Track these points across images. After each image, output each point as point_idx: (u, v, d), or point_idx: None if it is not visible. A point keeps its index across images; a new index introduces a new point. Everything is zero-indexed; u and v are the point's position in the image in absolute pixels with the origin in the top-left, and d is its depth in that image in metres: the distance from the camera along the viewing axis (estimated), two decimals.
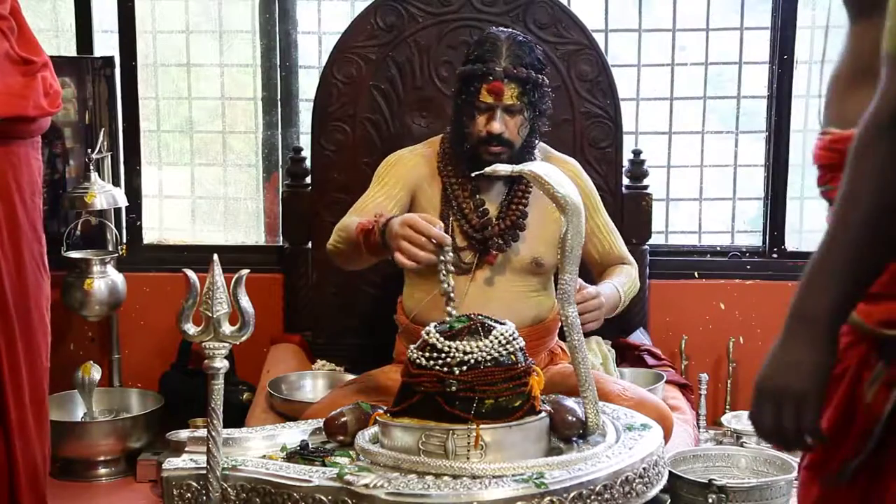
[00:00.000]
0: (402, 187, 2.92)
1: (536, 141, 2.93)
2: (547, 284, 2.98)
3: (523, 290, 2.92)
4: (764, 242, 3.92)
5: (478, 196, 2.92)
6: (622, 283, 2.94)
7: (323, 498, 2.15)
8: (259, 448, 2.41)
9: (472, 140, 2.86)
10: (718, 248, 3.96)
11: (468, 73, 2.85)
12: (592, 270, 3.07)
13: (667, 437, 2.61)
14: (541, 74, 2.87)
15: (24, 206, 2.80)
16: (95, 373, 3.67)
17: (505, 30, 2.95)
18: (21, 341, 2.79)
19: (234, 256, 3.62)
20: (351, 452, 2.33)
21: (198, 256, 3.70)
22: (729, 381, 3.82)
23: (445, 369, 2.23)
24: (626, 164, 3.62)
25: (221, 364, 2.16)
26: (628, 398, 2.70)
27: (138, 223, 4.01)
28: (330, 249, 2.87)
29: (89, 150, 3.74)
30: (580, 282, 2.63)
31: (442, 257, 2.49)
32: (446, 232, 2.61)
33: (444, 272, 2.49)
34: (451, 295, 2.48)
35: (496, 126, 2.81)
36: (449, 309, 2.45)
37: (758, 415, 1.45)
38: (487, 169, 2.46)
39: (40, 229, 2.88)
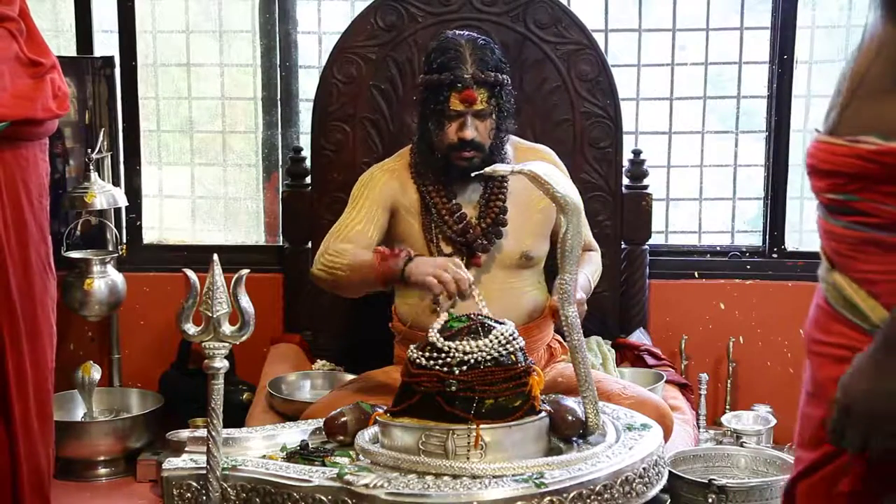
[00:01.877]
0: (378, 207, 2.94)
1: (506, 138, 2.94)
2: (539, 279, 3.00)
3: (516, 287, 2.93)
4: (764, 242, 3.92)
5: (454, 201, 2.93)
6: (591, 272, 2.99)
7: (323, 498, 2.15)
8: (259, 448, 2.41)
9: (443, 147, 2.87)
10: (718, 248, 3.96)
11: (435, 81, 2.85)
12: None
13: (667, 436, 2.61)
14: (505, 75, 2.89)
15: (32, 207, 2.80)
16: (95, 373, 3.67)
17: (462, 33, 2.95)
18: (27, 342, 2.79)
19: (234, 256, 3.62)
20: (351, 452, 2.33)
21: (198, 256, 3.70)
22: (729, 381, 3.81)
23: (445, 369, 2.23)
24: (626, 163, 3.62)
25: (221, 364, 2.16)
26: (628, 397, 2.71)
27: (138, 223, 4.01)
28: (320, 275, 2.88)
29: (89, 150, 3.74)
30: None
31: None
32: (432, 240, 2.80)
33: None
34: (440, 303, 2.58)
35: (469, 132, 2.83)
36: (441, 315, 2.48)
37: (846, 435, 1.42)
38: (487, 169, 2.46)
39: (47, 230, 2.88)
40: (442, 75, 2.84)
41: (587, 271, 2.96)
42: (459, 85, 2.82)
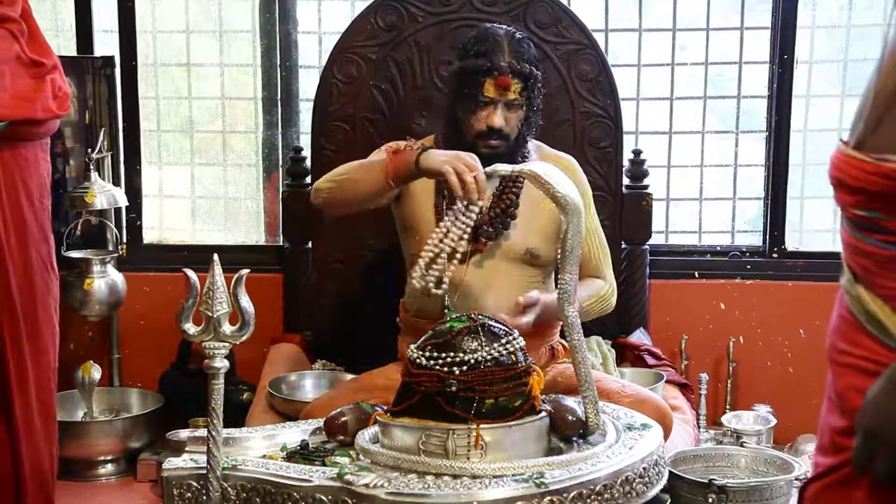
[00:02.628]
0: None
1: (530, 135, 2.96)
2: (547, 280, 2.99)
3: (517, 282, 2.92)
4: (764, 242, 3.92)
5: None
6: (584, 296, 2.88)
7: (323, 498, 2.15)
8: (259, 448, 2.41)
9: (471, 133, 2.88)
10: (718, 248, 3.96)
11: (471, 67, 2.86)
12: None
13: (666, 434, 2.61)
14: (538, 71, 2.91)
15: (32, 207, 2.79)
16: (95, 372, 3.67)
17: (500, 26, 2.98)
18: (28, 342, 2.78)
19: (234, 256, 3.63)
20: (351, 452, 2.33)
21: (198, 256, 3.70)
22: (729, 381, 3.81)
23: (445, 369, 2.23)
24: (626, 163, 3.62)
25: (221, 364, 2.16)
26: (627, 395, 2.71)
27: (138, 223, 4.01)
28: (324, 190, 2.86)
29: (89, 150, 3.74)
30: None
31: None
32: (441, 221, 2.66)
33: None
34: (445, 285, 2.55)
35: (497, 120, 2.85)
36: (445, 301, 2.48)
37: (875, 464, 1.40)
38: (487, 169, 2.47)
39: (48, 230, 2.88)
40: (479, 60, 2.85)
41: (582, 293, 2.84)
42: (496, 72, 2.83)
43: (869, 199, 1.45)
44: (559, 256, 2.38)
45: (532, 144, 3.00)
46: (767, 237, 3.90)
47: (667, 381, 3.23)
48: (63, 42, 4.00)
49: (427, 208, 2.95)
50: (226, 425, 2.22)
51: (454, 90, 2.94)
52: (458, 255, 2.88)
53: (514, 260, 2.94)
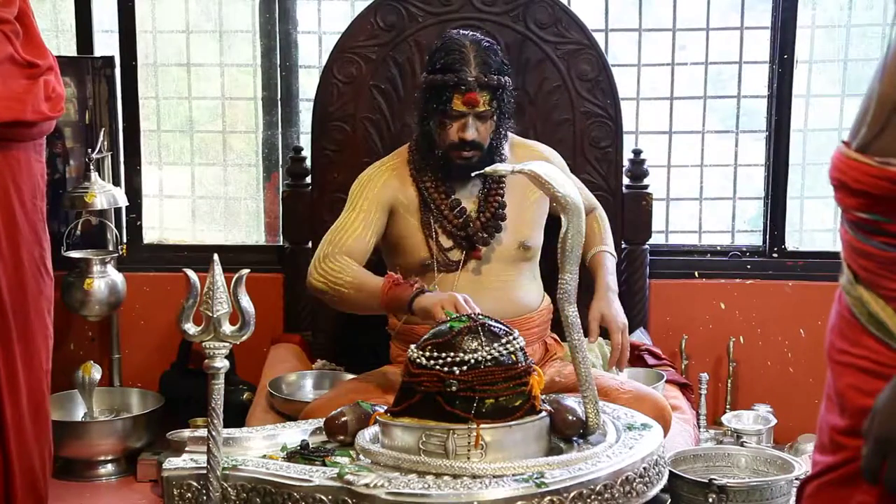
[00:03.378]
0: (377, 209, 2.96)
1: (504, 138, 2.97)
2: (535, 273, 3.04)
3: (512, 281, 2.96)
4: (764, 242, 3.92)
5: (453, 197, 2.96)
6: (609, 242, 3.15)
7: (323, 498, 2.15)
8: (259, 448, 2.41)
9: (443, 146, 2.90)
10: (718, 248, 3.96)
11: (438, 82, 2.87)
12: None
13: (665, 430, 2.62)
14: (507, 77, 2.92)
15: (24, 208, 2.78)
16: (96, 372, 3.67)
17: (466, 33, 2.98)
18: (19, 344, 2.77)
19: (234, 256, 3.63)
20: (351, 452, 2.33)
21: (198, 256, 3.70)
22: (729, 381, 3.81)
23: (446, 369, 2.23)
24: (626, 163, 3.62)
25: (222, 364, 2.16)
26: (626, 392, 2.72)
27: (138, 223, 4.01)
28: (320, 286, 2.87)
29: (89, 150, 3.74)
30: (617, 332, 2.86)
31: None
32: (431, 236, 2.85)
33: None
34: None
35: (469, 133, 2.87)
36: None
37: (888, 473, 1.38)
38: (488, 169, 2.47)
39: (42, 232, 2.87)
40: (445, 76, 2.85)
41: (608, 245, 3.15)
42: (463, 87, 2.84)
43: (872, 203, 1.45)
44: (559, 256, 2.38)
45: (507, 141, 3.01)
46: (767, 237, 3.90)
47: (667, 381, 3.23)
48: (63, 42, 4.01)
49: (415, 227, 2.97)
50: (226, 425, 2.22)
51: (423, 103, 2.95)
52: (451, 264, 2.91)
53: (507, 258, 2.97)
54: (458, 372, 2.22)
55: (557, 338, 3.10)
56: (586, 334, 2.80)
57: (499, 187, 2.97)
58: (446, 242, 2.95)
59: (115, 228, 3.85)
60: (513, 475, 2.14)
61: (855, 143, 1.48)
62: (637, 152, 3.65)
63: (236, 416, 3.02)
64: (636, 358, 3.48)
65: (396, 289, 2.71)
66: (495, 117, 2.90)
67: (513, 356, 2.27)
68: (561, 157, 3.16)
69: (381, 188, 2.98)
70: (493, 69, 2.87)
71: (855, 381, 1.49)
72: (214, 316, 2.14)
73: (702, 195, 4.00)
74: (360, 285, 2.80)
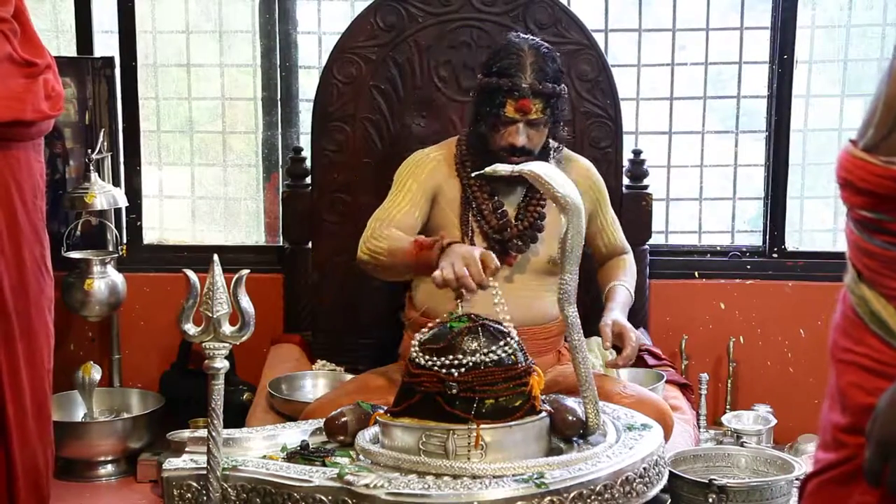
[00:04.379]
0: (423, 192, 2.94)
1: (554, 145, 2.97)
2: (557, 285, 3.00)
3: (540, 290, 2.95)
4: (764, 242, 3.92)
5: (497, 198, 2.94)
6: (629, 283, 3.05)
7: (323, 498, 2.15)
8: (259, 448, 2.41)
9: (494, 148, 2.88)
10: (718, 248, 3.96)
11: (493, 86, 2.85)
12: (597, 261, 3.14)
13: (667, 435, 2.61)
14: (562, 85, 2.90)
15: (25, 208, 2.79)
16: (96, 373, 3.67)
17: (526, 37, 2.95)
18: (21, 343, 2.78)
19: (234, 256, 3.63)
20: (351, 452, 2.33)
21: (198, 256, 3.71)
22: (729, 381, 3.82)
23: (444, 370, 2.23)
24: (626, 164, 3.62)
25: (222, 364, 2.16)
26: (627, 396, 2.71)
27: (138, 223, 4.01)
28: (365, 259, 2.84)
29: (89, 151, 3.74)
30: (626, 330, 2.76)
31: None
32: (467, 234, 2.82)
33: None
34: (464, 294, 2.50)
35: (520, 139, 2.85)
36: (461, 305, 2.45)
37: (890, 477, 1.39)
38: (487, 169, 2.47)
39: (42, 231, 2.87)
40: (500, 81, 2.84)
41: (626, 282, 3.03)
42: (516, 93, 2.82)
43: (876, 202, 1.46)
44: (559, 256, 2.38)
45: (561, 152, 3.01)
46: (767, 237, 3.90)
47: (667, 381, 3.23)
48: (63, 42, 4.01)
49: (453, 222, 2.95)
50: (226, 425, 2.22)
51: (476, 104, 2.93)
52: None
53: (537, 271, 2.95)
54: (456, 374, 2.22)
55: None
56: (598, 336, 2.80)
57: (540, 198, 2.94)
58: (480, 243, 2.91)
59: (115, 229, 3.85)
60: (513, 475, 2.14)
61: (862, 143, 1.49)
62: (637, 152, 3.65)
63: (236, 416, 3.02)
64: (636, 358, 3.48)
65: (423, 252, 2.66)
66: (547, 125, 2.89)
67: (513, 357, 2.27)
68: (599, 176, 3.13)
69: (429, 174, 2.96)
70: (548, 77, 2.85)
71: (857, 379, 1.49)
72: (214, 316, 2.14)
73: (702, 195, 4.00)
74: (395, 251, 2.76)
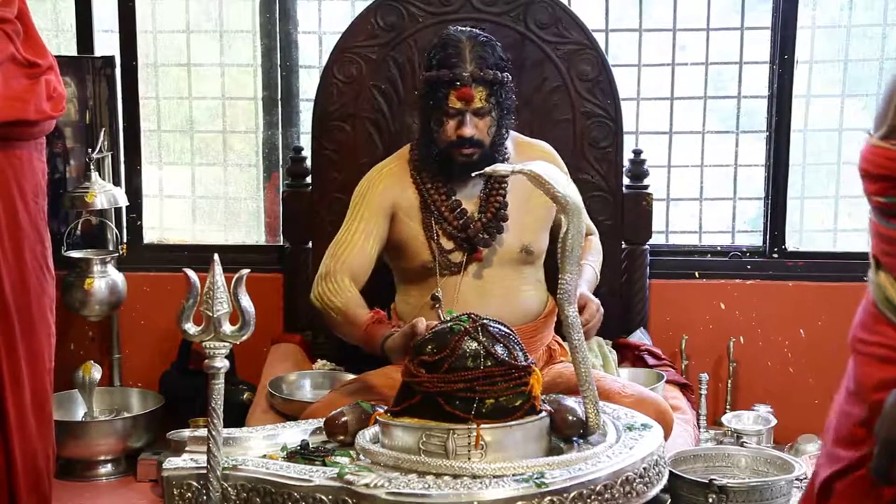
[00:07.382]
0: (378, 216, 2.96)
1: (506, 135, 2.96)
2: (539, 277, 3.01)
3: (516, 286, 2.94)
4: (764, 242, 3.92)
5: (454, 198, 2.94)
6: (595, 262, 3.07)
7: (323, 498, 2.15)
8: (259, 448, 2.41)
9: (443, 144, 2.89)
10: (719, 248, 3.96)
11: (434, 78, 2.87)
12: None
13: (667, 434, 2.61)
14: (505, 73, 2.90)
15: (27, 207, 2.79)
16: (96, 372, 3.67)
17: (464, 29, 2.97)
18: (22, 343, 2.78)
19: (234, 256, 3.62)
20: (351, 452, 2.33)
21: (198, 256, 3.70)
22: (729, 381, 3.81)
23: (445, 370, 2.23)
24: (626, 163, 3.62)
25: (222, 364, 2.17)
26: (627, 395, 2.71)
27: (139, 223, 4.01)
28: (318, 307, 2.90)
29: (90, 150, 3.75)
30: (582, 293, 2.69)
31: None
32: (432, 237, 2.87)
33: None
34: (440, 298, 2.57)
35: (467, 130, 2.85)
36: (440, 312, 2.49)
37: (893, 471, 1.41)
38: (488, 169, 2.47)
39: (43, 230, 2.88)
40: (440, 72, 2.85)
41: (592, 261, 3.02)
42: (458, 83, 2.83)
43: (891, 186, 1.48)
44: (559, 256, 2.38)
45: (509, 139, 3.00)
46: (767, 237, 3.90)
47: (667, 381, 3.23)
48: (63, 42, 4.01)
49: (416, 230, 2.96)
50: (226, 425, 2.22)
51: (422, 101, 2.94)
52: (452, 267, 2.90)
53: (510, 261, 2.95)
54: (457, 374, 2.22)
55: (561, 340, 3.09)
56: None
57: (500, 188, 2.95)
58: (447, 244, 2.94)
59: (115, 228, 3.85)
60: (513, 475, 2.14)
61: (878, 133, 1.52)
62: (637, 152, 3.65)
63: (236, 416, 3.02)
64: (636, 358, 3.48)
65: (373, 327, 2.71)
66: (494, 113, 2.88)
67: (513, 356, 2.27)
68: (560, 158, 3.15)
69: (381, 194, 2.98)
70: (489, 64, 2.85)
71: (872, 370, 1.50)
72: (214, 316, 2.14)
73: (702, 195, 4.00)
74: (348, 315, 2.81)
